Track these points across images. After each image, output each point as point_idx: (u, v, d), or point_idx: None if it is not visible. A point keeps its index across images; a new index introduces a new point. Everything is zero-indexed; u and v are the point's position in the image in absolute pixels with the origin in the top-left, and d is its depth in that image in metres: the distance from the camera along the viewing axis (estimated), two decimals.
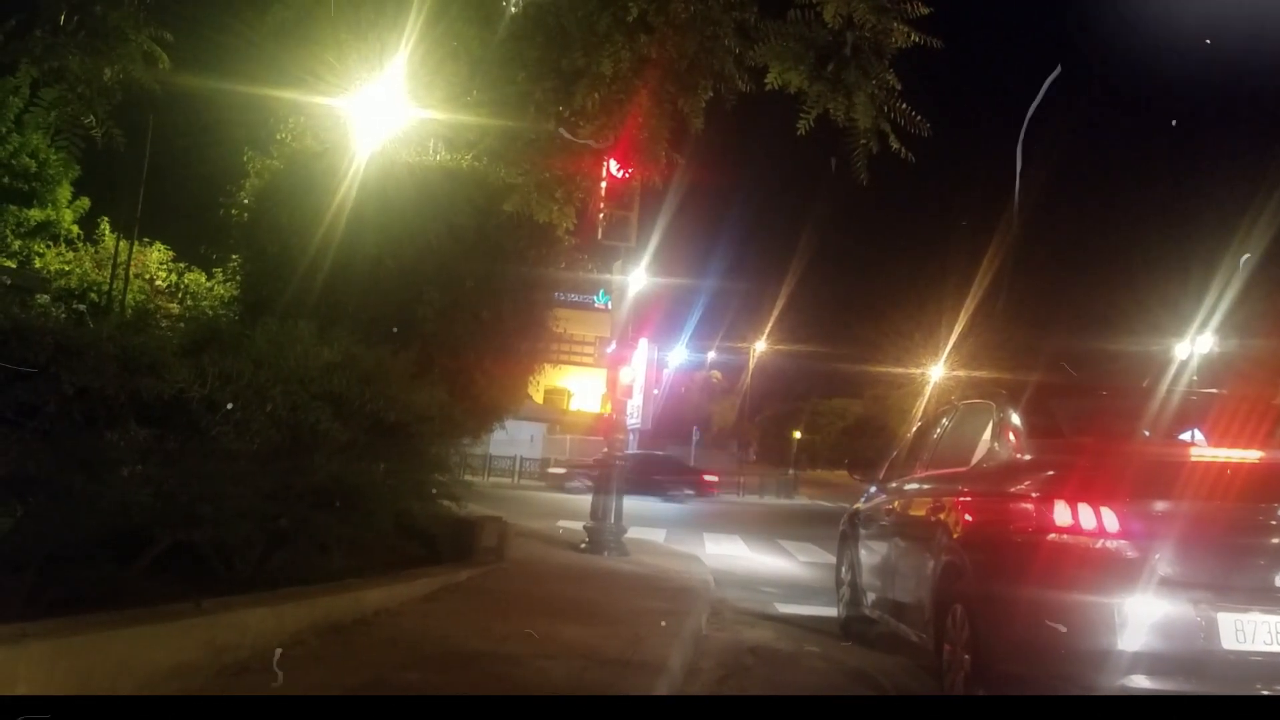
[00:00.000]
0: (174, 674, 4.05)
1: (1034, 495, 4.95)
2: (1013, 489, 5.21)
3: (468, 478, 8.28)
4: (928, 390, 44.42)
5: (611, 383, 12.96)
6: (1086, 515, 4.62)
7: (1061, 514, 4.68)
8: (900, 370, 49.70)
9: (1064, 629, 4.55)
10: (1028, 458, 5.41)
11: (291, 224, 9.76)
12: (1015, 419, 5.67)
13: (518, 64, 5.86)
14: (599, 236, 11.81)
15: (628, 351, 12.89)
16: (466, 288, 9.75)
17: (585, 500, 13.29)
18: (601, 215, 11.55)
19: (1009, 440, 5.64)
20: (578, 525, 12.34)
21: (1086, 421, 5.79)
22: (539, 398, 33.52)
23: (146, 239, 19.71)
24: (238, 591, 4.97)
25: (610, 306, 14.55)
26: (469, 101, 6.54)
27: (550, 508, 19.46)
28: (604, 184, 10.74)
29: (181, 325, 9.13)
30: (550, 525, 14.49)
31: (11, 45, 5.25)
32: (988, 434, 5.89)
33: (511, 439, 30.12)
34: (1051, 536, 4.68)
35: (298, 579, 5.45)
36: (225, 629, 4.50)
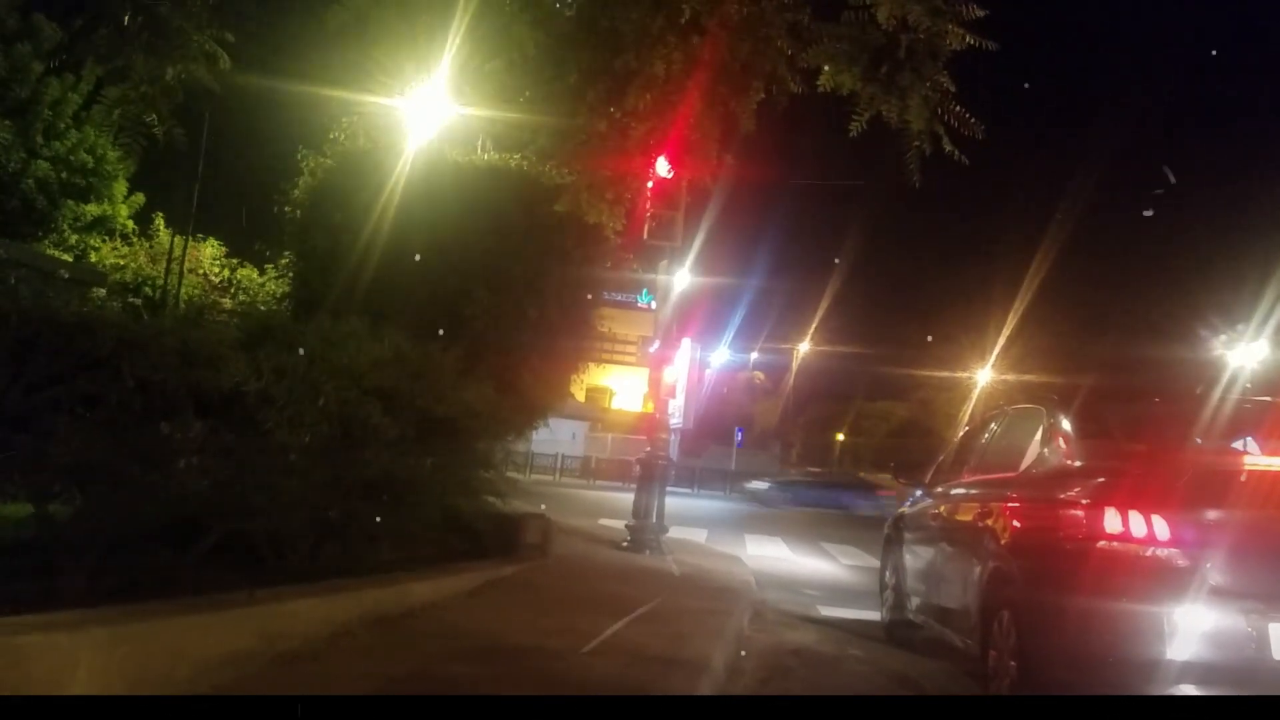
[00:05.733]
0: (227, 662, 4.14)
1: (1084, 502, 4.90)
2: (1062, 495, 5.16)
3: (511, 474, 8.34)
4: (975, 394, 43.84)
5: (654, 382, 12.99)
6: (1137, 523, 4.57)
7: (1112, 521, 4.63)
8: (946, 374, 49.11)
9: (1113, 638, 4.51)
10: (1078, 464, 5.36)
11: (343, 222, 9.88)
12: (1066, 424, 5.61)
13: (570, 65, 5.90)
14: (645, 236, 11.83)
15: (671, 351, 12.91)
16: (514, 286, 9.81)
17: (626, 499, 13.32)
18: (648, 215, 11.57)
19: (1059, 446, 5.58)
20: (619, 524, 12.39)
21: (1138, 428, 5.71)
22: (581, 396, 33.60)
23: (200, 235, 20.06)
24: (289, 582, 5.06)
25: (654, 306, 14.59)
26: (521, 102, 6.60)
27: (592, 505, 19.54)
28: (651, 184, 10.76)
29: (235, 320, 9.31)
30: (592, 523, 14.55)
31: (78, 44, 5.39)
32: (1037, 439, 5.84)
33: (554, 437, 30.19)
34: (1101, 544, 4.63)
35: (347, 570, 5.54)
36: (277, 618, 4.59)
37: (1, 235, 14.38)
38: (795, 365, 56.50)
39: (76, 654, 3.44)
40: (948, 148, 5.64)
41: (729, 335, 53.04)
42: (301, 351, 5.44)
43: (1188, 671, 4.35)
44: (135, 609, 3.96)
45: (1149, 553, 4.53)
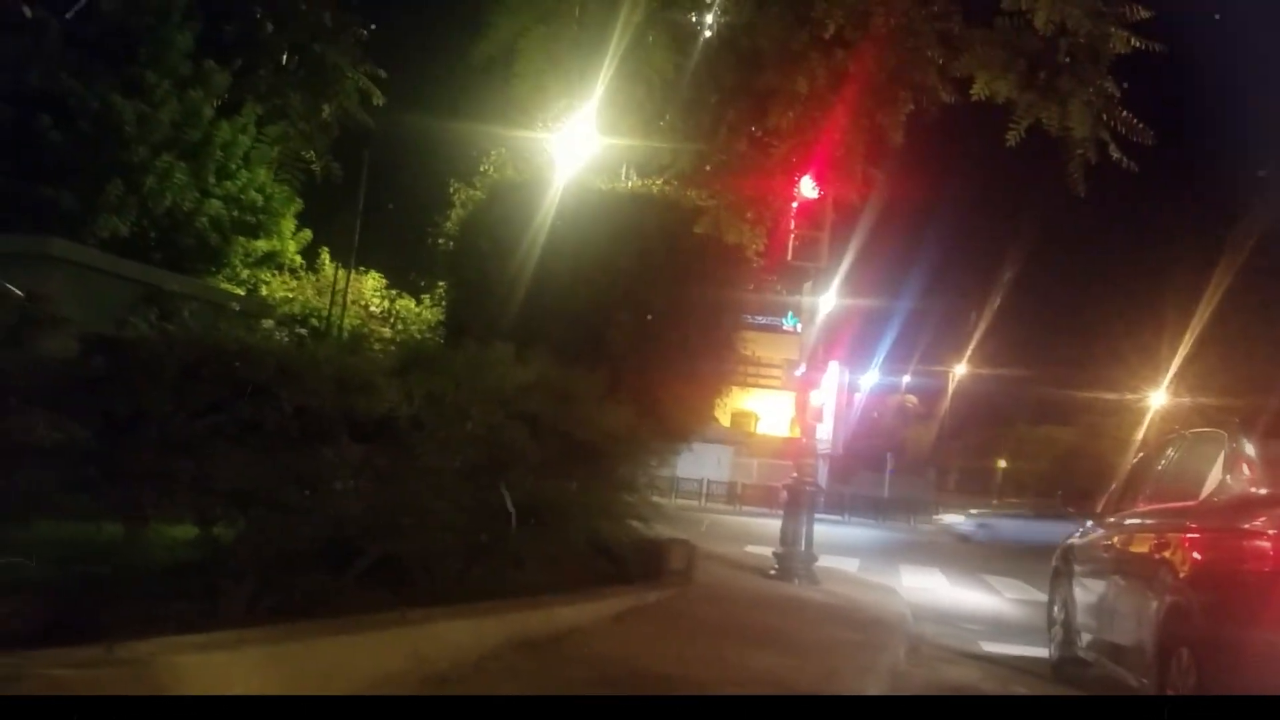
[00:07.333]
0: (380, 682, 4.19)
1: (1270, 532, 4.55)
2: (1246, 525, 4.80)
3: (655, 499, 8.28)
4: (1147, 418, 41.31)
5: (801, 406, 12.77)
6: None
7: None
8: (1115, 396, 46.50)
9: None
10: (1264, 491, 4.99)
11: (492, 251, 10.15)
12: (1250, 449, 5.24)
13: (710, 86, 5.87)
14: (789, 257, 11.65)
15: (817, 375, 12.66)
16: (655, 310, 9.84)
17: (773, 525, 13.09)
18: (792, 235, 11.41)
19: (1243, 472, 5.21)
20: (766, 551, 12.17)
21: None
22: (725, 420, 33.43)
23: (362, 268, 21.03)
24: (438, 603, 5.13)
25: (799, 329, 14.35)
26: (661, 126, 6.61)
27: (738, 532, 19.30)
28: (795, 204, 10.61)
29: (392, 348, 9.63)
30: (738, 550, 14.36)
31: (238, 84, 5.69)
32: (1218, 465, 5.46)
33: (698, 461, 30.05)
34: None
35: (494, 593, 5.58)
36: (427, 640, 4.63)
37: (177, 271, 15.29)
38: (951, 388, 54.70)
39: (232, 673, 3.54)
40: (1115, 155, 5.32)
41: (879, 358, 51.85)
42: (450, 377, 5.55)
43: None
44: (291, 629, 4.06)
45: None
